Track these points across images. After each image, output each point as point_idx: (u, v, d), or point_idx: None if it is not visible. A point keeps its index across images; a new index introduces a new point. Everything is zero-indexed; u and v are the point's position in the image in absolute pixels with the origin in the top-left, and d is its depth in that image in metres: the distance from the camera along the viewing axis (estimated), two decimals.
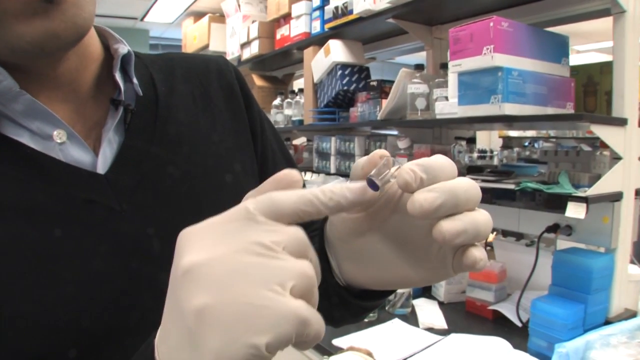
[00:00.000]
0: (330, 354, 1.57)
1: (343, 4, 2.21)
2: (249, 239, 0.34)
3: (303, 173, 2.86)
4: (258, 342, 0.31)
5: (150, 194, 0.58)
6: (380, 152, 0.43)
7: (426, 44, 2.06)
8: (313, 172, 2.73)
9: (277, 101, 3.03)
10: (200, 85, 0.70)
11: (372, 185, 0.40)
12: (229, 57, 3.55)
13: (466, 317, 1.81)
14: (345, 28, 2.26)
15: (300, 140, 3.17)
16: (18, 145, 0.52)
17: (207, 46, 3.86)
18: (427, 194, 0.38)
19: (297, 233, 0.35)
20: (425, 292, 2.03)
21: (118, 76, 0.59)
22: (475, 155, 2.19)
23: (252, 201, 0.35)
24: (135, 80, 0.60)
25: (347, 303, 0.57)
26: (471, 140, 2.04)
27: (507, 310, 1.71)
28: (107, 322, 0.53)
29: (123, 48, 0.60)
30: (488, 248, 2.04)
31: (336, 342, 1.61)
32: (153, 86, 0.64)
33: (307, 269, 0.34)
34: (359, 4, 2.07)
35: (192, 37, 4.14)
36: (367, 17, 2.07)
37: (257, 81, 3.23)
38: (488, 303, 1.77)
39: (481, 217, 0.40)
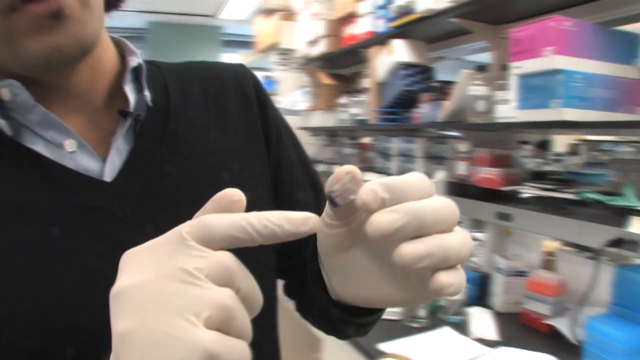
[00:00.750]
0: (373, 357, 1.55)
1: (406, 3, 2.16)
2: (175, 264, 0.34)
3: (366, 173, 2.83)
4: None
5: (154, 201, 0.60)
6: (346, 168, 0.40)
7: (491, 43, 1.99)
8: (376, 172, 2.70)
9: (343, 99, 3.02)
10: (215, 94, 0.71)
11: (332, 201, 0.39)
12: (297, 55, 3.58)
13: (520, 329, 1.73)
14: (408, 27, 2.21)
15: (367, 139, 3.15)
16: (32, 153, 0.55)
17: (277, 43, 3.91)
18: (386, 215, 0.37)
19: (224, 260, 0.34)
20: (481, 300, 1.96)
21: (129, 88, 0.61)
22: (543, 160, 2.10)
23: (187, 224, 0.35)
24: (145, 92, 0.62)
25: (341, 318, 0.56)
26: (544, 144, 1.96)
27: (564, 325, 1.62)
28: (104, 322, 0.54)
29: (134, 60, 0.62)
30: (550, 257, 1.95)
31: (381, 346, 1.59)
32: (167, 96, 0.66)
33: (225, 298, 0.33)
34: (421, 3, 2.03)
35: (264, 34, 4.20)
36: (429, 16, 2.02)
37: (324, 79, 3.23)
38: (544, 316, 1.69)
39: (453, 240, 0.38)
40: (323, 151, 3.41)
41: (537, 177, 1.84)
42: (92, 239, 0.55)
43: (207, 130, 0.67)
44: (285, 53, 4.01)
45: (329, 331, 0.72)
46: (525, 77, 1.51)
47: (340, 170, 0.41)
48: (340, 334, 0.70)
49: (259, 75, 4.67)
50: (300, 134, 3.46)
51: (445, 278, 0.38)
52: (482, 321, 1.76)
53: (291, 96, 3.85)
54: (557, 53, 1.38)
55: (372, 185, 0.38)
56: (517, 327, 1.75)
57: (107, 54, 0.63)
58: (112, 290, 0.35)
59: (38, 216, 0.53)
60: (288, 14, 3.80)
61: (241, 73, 0.74)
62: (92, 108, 0.61)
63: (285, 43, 3.85)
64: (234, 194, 0.38)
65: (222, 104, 0.70)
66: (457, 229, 0.40)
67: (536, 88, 1.47)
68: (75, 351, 0.52)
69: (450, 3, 1.85)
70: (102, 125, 0.61)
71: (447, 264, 0.38)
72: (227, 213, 0.37)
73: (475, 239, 2.41)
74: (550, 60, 1.39)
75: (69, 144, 0.56)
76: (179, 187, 0.61)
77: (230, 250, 0.36)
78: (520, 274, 1.83)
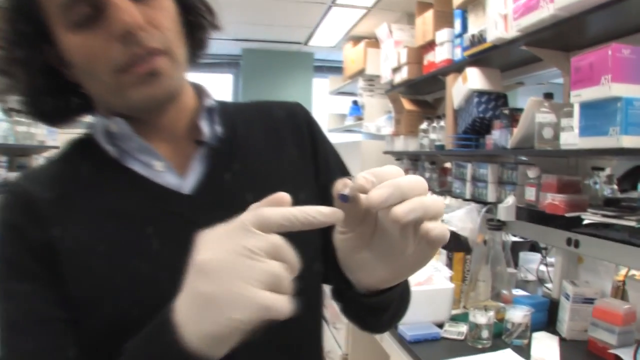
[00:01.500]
0: None
1: (479, 32, 2.23)
2: (240, 243, 0.49)
3: (443, 197, 2.88)
4: (235, 317, 0.48)
5: (220, 209, 0.74)
6: (344, 180, 0.56)
7: (562, 70, 2.00)
8: (453, 196, 2.74)
9: (423, 125, 3.09)
10: (273, 128, 0.87)
11: (343, 197, 0.54)
12: (382, 81, 3.71)
13: (586, 357, 1.72)
14: (482, 56, 2.27)
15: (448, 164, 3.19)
16: (131, 172, 0.76)
17: (363, 70, 4.05)
18: (377, 190, 0.53)
19: (275, 240, 0.50)
20: (550, 326, 1.96)
21: (203, 123, 0.79)
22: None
23: (247, 214, 0.51)
24: (217, 126, 0.80)
25: (360, 303, 0.71)
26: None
27: (631, 356, 1.60)
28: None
29: (208, 102, 0.81)
30: (620, 286, 1.91)
31: None
32: (234, 129, 0.84)
33: (277, 268, 0.49)
34: (492, 32, 2.08)
35: (351, 61, 4.36)
36: (499, 45, 2.07)
37: (406, 105, 3.32)
38: (610, 346, 1.67)
39: (428, 199, 0.54)
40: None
41: (609, 204, 1.82)
42: (172, 238, 0.71)
43: (265, 157, 0.84)
44: (371, 79, 4.15)
45: (363, 326, 0.88)
46: (586, 105, 1.53)
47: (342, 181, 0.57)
48: (370, 326, 0.88)
49: (348, 99, 4.83)
50: (384, 158, 3.57)
51: (429, 224, 0.53)
52: (545, 346, 1.77)
53: (377, 121, 3.96)
54: (615, 81, 1.40)
55: (363, 174, 0.54)
56: (582, 355, 1.73)
57: (187, 97, 0.82)
58: (194, 261, 0.51)
59: (134, 218, 0.73)
60: (373, 42, 3.93)
61: (297, 110, 0.91)
62: (175, 138, 0.79)
63: (371, 69, 3.99)
64: (283, 197, 0.53)
65: (279, 136, 0.87)
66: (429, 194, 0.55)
67: (596, 115, 1.49)
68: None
69: (518, 32, 1.90)
70: (183, 151, 0.79)
71: (429, 217, 0.53)
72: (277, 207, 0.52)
73: (548, 265, 2.39)
74: (608, 88, 1.42)
75: (158, 165, 0.76)
76: (240, 199, 0.76)
77: (280, 233, 0.51)
78: (588, 301, 1.81)
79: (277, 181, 0.80)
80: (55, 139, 3.40)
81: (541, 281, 2.44)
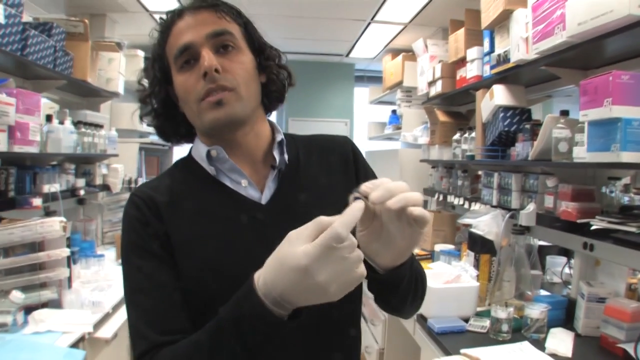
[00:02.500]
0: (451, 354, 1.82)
1: (504, 52, 2.42)
2: (311, 240, 0.75)
3: (473, 203, 3.06)
4: (348, 280, 0.75)
5: (288, 216, 1.00)
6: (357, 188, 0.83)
7: (578, 87, 2.17)
8: (482, 203, 2.92)
9: (456, 136, 3.28)
10: (327, 156, 1.15)
11: (356, 197, 0.81)
12: (418, 94, 3.91)
13: (597, 351, 1.90)
14: (507, 73, 2.46)
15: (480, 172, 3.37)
16: (224, 186, 1.04)
17: (401, 82, 4.26)
18: (375, 192, 0.80)
19: (354, 239, 0.75)
20: (567, 323, 2.13)
21: (276, 152, 1.07)
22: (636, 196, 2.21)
23: (310, 223, 0.78)
24: (285, 155, 1.08)
25: (381, 281, 0.94)
26: None
27: (637, 350, 1.77)
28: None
29: (279, 137, 1.09)
30: (633, 286, 2.07)
31: (464, 351, 1.85)
32: (297, 156, 1.12)
33: (361, 255, 0.76)
34: (515, 54, 2.28)
35: (389, 73, 4.57)
36: (522, 65, 2.26)
37: (441, 117, 3.51)
38: (619, 340, 1.84)
39: (409, 193, 0.80)
40: (440, 182, 3.67)
41: (624, 211, 1.98)
42: (252, 234, 1.00)
43: (319, 179, 1.11)
44: (409, 91, 4.35)
45: (389, 307, 1.10)
46: (592, 124, 1.72)
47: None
48: (394, 305, 1.07)
49: (387, 108, 5.02)
50: (421, 166, 3.77)
51: (412, 208, 0.80)
52: (560, 340, 1.95)
53: (414, 131, 4.16)
54: (615, 103, 1.59)
55: (366, 183, 0.82)
56: (594, 349, 1.91)
57: (264, 130, 1.10)
58: (283, 253, 0.77)
59: (226, 220, 1.01)
60: (411, 55, 4.14)
61: (344, 142, 1.18)
62: (255, 162, 1.07)
63: (408, 82, 4.19)
64: (329, 220, 0.76)
65: (330, 163, 1.14)
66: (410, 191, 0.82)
67: (600, 133, 1.68)
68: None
69: (537, 55, 2.09)
70: (261, 172, 1.07)
71: (411, 204, 0.80)
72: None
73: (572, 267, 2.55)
74: (609, 110, 1.61)
75: (244, 182, 1.04)
76: (303, 209, 1.03)
77: None
78: (602, 300, 1.99)
79: (327, 197, 1.06)
80: (115, 148, 3.70)
81: (566, 283, 2.60)
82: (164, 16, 1.06)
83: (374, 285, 0.97)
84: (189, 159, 1.10)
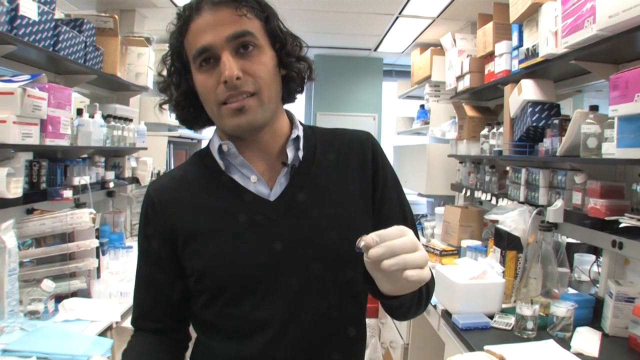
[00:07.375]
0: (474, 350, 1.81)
1: (532, 47, 2.38)
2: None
3: (501, 199, 3.02)
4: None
5: (296, 214, 1.03)
6: (362, 237, 0.82)
7: (608, 82, 2.12)
8: (510, 199, 2.89)
9: (484, 131, 3.24)
10: (344, 153, 1.13)
11: (358, 249, 0.81)
12: (446, 88, 3.88)
13: (626, 352, 1.85)
14: (536, 68, 2.42)
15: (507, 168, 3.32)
16: (233, 181, 1.05)
17: (429, 76, 4.22)
18: (375, 249, 0.78)
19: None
20: (595, 322, 2.10)
21: (289, 149, 1.06)
22: None
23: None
24: (300, 151, 1.07)
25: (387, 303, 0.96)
26: None
27: None
28: (259, 271, 1.01)
29: (295, 133, 1.08)
30: None
31: (487, 347, 1.83)
32: (314, 152, 1.10)
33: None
34: (543, 48, 2.24)
35: (418, 67, 4.54)
36: (551, 59, 2.22)
37: (469, 112, 3.47)
38: None
39: (411, 256, 0.80)
40: (467, 177, 3.63)
41: None
42: (258, 229, 1.01)
43: (335, 176, 1.09)
44: (437, 85, 4.31)
45: (392, 315, 1.12)
46: (623, 119, 1.68)
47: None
48: (395, 316, 1.11)
49: (416, 103, 4.99)
50: (449, 161, 3.75)
51: (408, 272, 0.79)
52: (586, 340, 1.92)
53: (442, 126, 4.13)
54: None
55: (371, 234, 0.80)
56: (622, 350, 1.87)
57: (282, 124, 1.10)
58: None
59: (233, 214, 1.03)
60: (439, 49, 4.10)
61: (364, 139, 1.15)
62: (268, 158, 1.07)
63: (437, 76, 4.16)
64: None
65: (347, 160, 1.11)
66: (420, 250, 0.81)
67: (631, 129, 1.64)
68: (241, 287, 0.99)
69: (566, 49, 2.05)
70: (273, 168, 1.07)
71: (412, 266, 0.79)
72: None
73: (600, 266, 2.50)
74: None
75: (253, 178, 1.05)
76: (312, 207, 1.05)
77: None
78: (631, 299, 1.95)
79: (337, 197, 1.07)
80: (144, 141, 3.75)
81: (594, 282, 2.55)
82: (181, 10, 1.02)
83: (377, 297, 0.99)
84: (206, 151, 1.11)
